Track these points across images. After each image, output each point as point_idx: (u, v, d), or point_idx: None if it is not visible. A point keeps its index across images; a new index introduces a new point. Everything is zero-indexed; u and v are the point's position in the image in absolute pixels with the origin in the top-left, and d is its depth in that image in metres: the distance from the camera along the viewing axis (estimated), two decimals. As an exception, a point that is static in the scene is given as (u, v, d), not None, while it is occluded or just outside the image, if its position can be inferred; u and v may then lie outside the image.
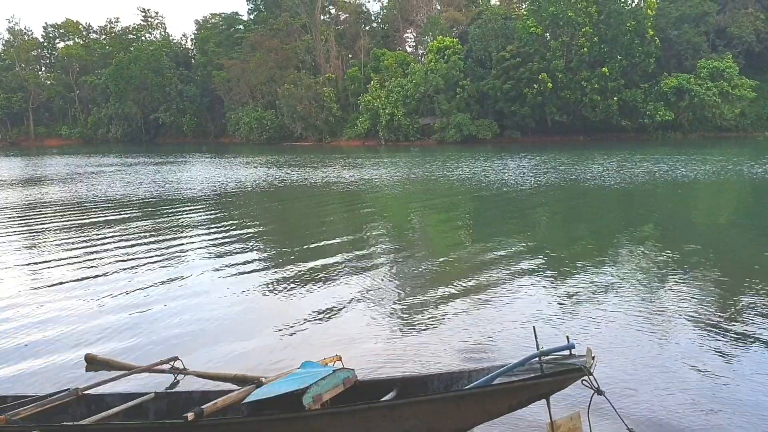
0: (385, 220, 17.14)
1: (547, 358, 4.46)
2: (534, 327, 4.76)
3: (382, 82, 66.49)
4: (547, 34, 61.17)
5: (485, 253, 11.83)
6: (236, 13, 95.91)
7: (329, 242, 13.46)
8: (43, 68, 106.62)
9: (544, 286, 9.09)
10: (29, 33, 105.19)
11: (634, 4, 60.66)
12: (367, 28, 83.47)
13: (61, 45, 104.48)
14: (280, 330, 7.62)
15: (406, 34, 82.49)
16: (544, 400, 4.33)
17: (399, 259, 11.46)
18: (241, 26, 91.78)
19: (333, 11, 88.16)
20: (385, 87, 65.52)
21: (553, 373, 4.15)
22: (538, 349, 4.48)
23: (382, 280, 9.81)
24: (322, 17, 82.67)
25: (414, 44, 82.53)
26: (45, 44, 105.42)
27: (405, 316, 7.92)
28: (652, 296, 8.46)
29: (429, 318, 7.78)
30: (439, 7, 78.45)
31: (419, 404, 4.19)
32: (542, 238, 13.97)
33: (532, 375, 4.26)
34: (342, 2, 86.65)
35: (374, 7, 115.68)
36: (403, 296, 8.85)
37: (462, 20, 72.44)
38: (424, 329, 7.37)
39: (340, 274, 10.23)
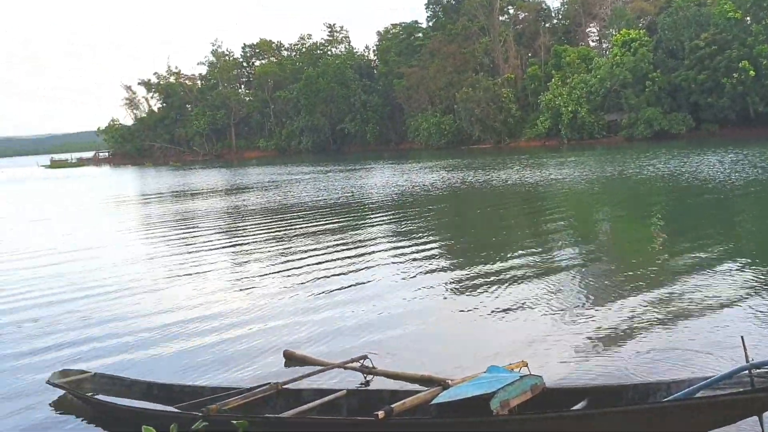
0: (572, 220, 16.59)
1: (759, 371, 4.10)
2: (742, 337, 4.38)
3: (564, 79, 64.46)
4: (748, 18, 55.90)
5: (683, 255, 11.03)
6: (416, 22, 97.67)
7: (513, 244, 13.28)
8: (242, 86, 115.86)
9: (751, 293, 8.26)
10: (231, 54, 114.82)
11: None
12: (546, 25, 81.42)
13: (257, 63, 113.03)
14: (464, 333, 7.65)
15: (588, 29, 79.45)
16: (755, 418, 3.98)
17: (587, 262, 11.03)
18: (420, 34, 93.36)
19: (512, 11, 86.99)
20: (567, 84, 63.47)
21: (767, 388, 3.80)
22: (747, 360, 4.12)
23: (568, 284, 9.50)
24: (500, 18, 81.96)
25: (597, 38, 79.25)
26: (243, 64, 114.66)
27: (593, 322, 7.58)
28: None
29: (619, 325, 7.38)
30: (624, -2, 74.62)
31: (614, 415, 4.00)
32: (749, 241, 12.77)
33: (742, 389, 3.93)
34: (521, 2, 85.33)
35: (554, 3, 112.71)
36: (590, 301, 8.50)
37: (650, 10, 68.29)
38: (615, 337, 7.01)
39: (525, 277, 10.05)
